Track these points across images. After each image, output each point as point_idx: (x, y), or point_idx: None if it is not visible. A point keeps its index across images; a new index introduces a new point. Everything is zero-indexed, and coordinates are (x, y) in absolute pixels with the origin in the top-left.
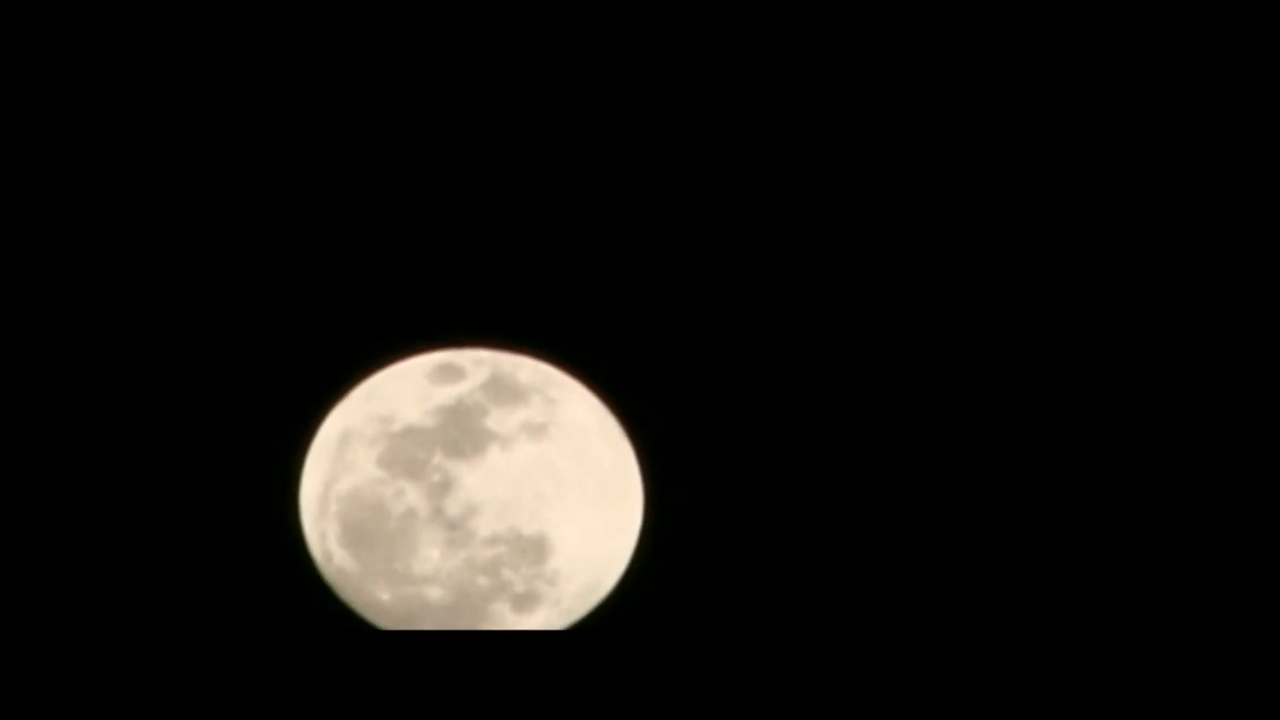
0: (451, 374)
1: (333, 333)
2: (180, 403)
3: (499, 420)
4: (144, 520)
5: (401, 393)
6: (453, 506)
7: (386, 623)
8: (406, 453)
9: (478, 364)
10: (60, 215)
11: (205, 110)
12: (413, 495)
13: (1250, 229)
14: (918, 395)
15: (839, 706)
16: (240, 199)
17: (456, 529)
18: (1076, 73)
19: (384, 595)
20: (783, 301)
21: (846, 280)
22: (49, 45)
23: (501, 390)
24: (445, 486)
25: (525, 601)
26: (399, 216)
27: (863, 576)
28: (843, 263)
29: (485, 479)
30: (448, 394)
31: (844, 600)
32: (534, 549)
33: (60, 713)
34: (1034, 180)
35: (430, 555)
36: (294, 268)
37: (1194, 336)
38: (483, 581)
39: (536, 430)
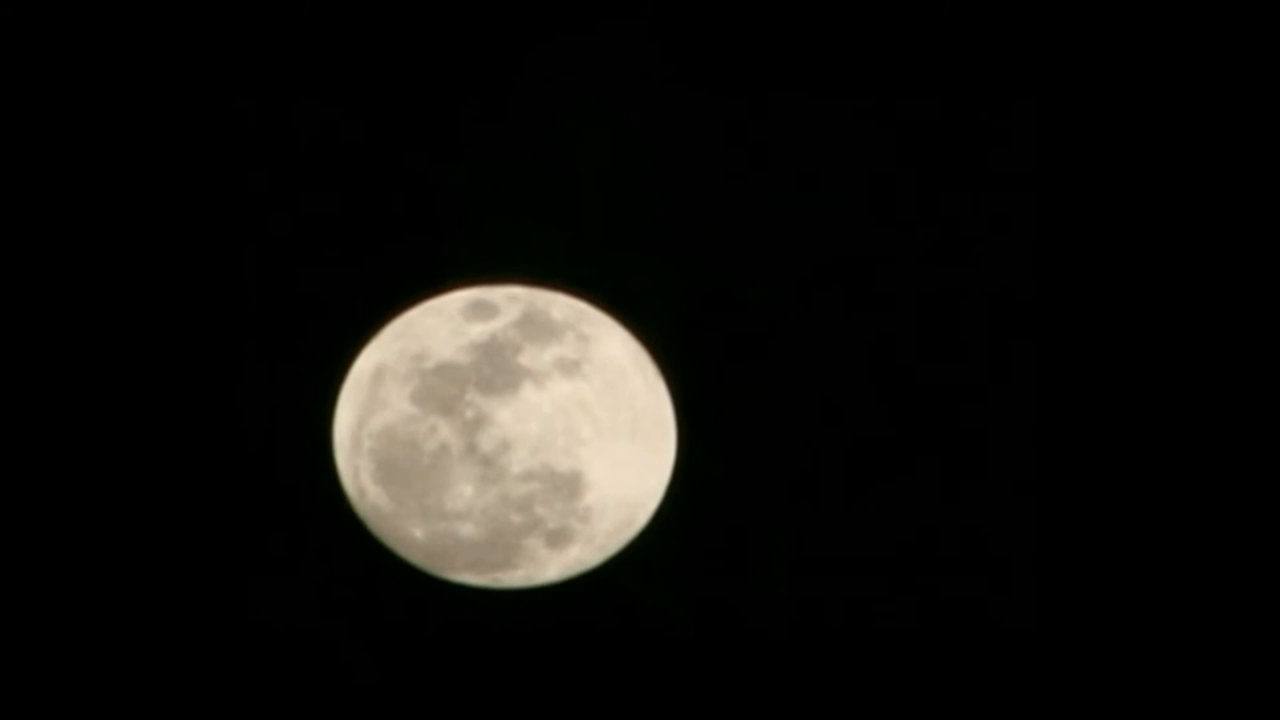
0: (484, 311)
1: (365, 270)
2: (210, 342)
3: (532, 357)
4: (176, 456)
5: (434, 329)
6: (486, 443)
7: (419, 559)
8: (439, 389)
9: (511, 300)
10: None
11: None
12: (446, 432)
13: (1249, 229)
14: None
15: (863, 645)
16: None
17: (490, 465)
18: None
19: (417, 532)
20: (818, 242)
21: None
22: (48, 44)
23: (535, 327)
24: (478, 423)
25: (558, 538)
26: (430, 152)
27: (895, 515)
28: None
29: (518, 415)
30: (481, 331)
31: (875, 535)
32: (567, 486)
33: (88, 658)
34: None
35: (463, 492)
36: (326, 206)
37: (1193, 335)
38: (516, 518)
39: (570, 367)
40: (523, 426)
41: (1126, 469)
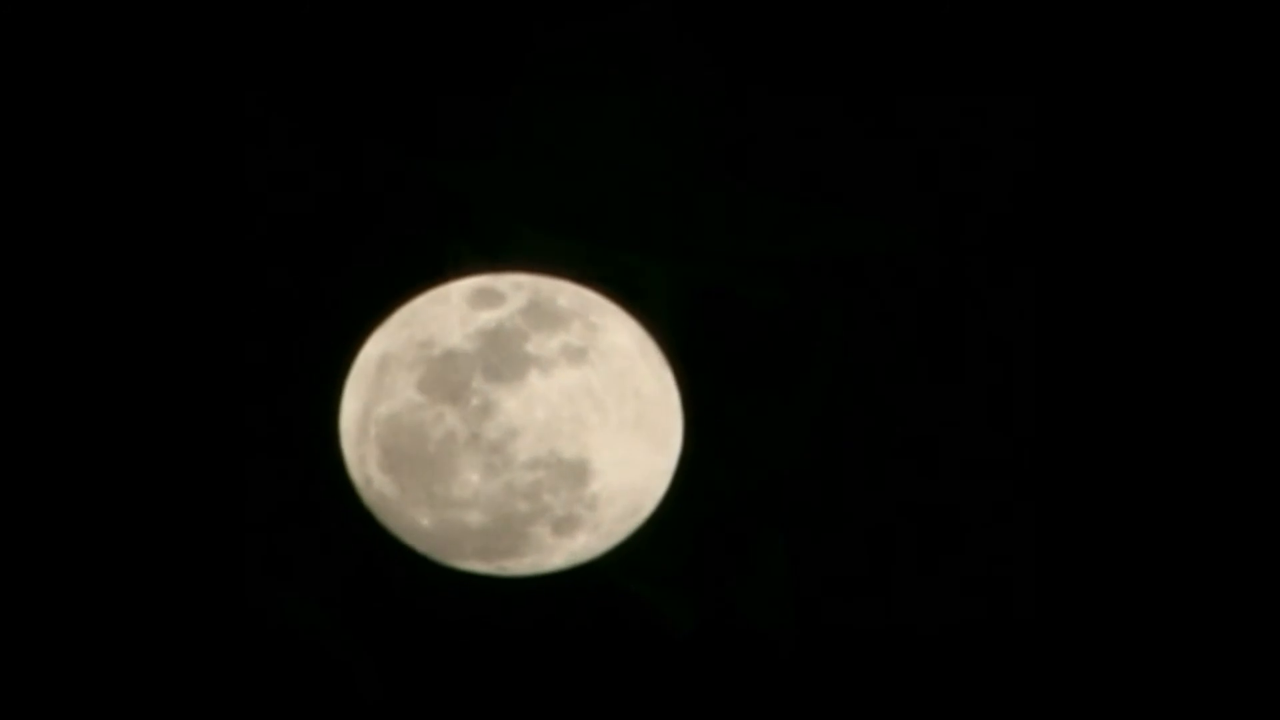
0: (491, 298)
1: (371, 258)
2: (215, 332)
3: (539, 344)
4: (181, 445)
5: (440, 317)
6: (492, 431)
7: (426, 547)
8: (446, 377)
9: (517, 288)
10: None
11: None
12: (452, 419)
13: (1249, 229)
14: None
15: (868, 630)
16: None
17: (496, 453)
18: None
19: (424, 520)
20: (825, 237)
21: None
22: (46, 43)
23: (541, 314)
24: (485, 411)
25: (565, 525)
26: (433, 146)
27: (906, 501)
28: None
29: (525, 403)
30: (487, 318)
31: (881, 522)
32: (574, 473)
33: (99, 639)
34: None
35: (470, 479)
36: (331, 196)
37: (1193, 334)
38: (523, 506)
39: (576, 355)
40: (529, 414)
41: (1130, 470)
